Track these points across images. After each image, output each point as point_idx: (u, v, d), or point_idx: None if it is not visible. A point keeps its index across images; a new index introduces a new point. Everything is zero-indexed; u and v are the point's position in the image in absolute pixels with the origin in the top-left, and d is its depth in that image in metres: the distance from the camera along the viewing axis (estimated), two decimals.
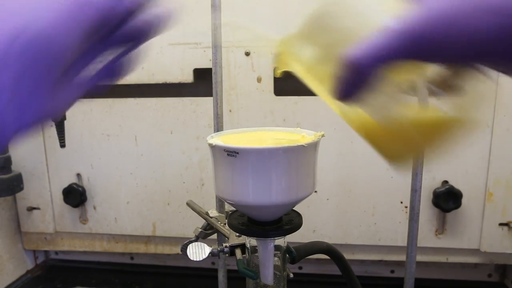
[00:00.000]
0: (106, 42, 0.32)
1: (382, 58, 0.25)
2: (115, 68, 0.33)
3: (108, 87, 0.34)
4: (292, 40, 0.33)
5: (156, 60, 1.02)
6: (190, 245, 0.57)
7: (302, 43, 0.32)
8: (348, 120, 0.31)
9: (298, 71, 0.33)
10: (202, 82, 1.02)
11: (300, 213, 0.51)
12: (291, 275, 0.53)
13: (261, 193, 0.43)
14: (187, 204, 0.70)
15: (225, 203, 0.66)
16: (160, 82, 1.03)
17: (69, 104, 0.31)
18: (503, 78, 0.26)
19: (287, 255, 0.53)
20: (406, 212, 1.00)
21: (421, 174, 0.68)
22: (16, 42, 0.25)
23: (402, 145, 0.30)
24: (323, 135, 0.45)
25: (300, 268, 1.17)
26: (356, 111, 0.28)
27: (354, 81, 0.26)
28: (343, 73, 0.26)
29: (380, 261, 1.11)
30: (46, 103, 0.28)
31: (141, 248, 1.18)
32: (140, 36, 0.33)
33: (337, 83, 0.26)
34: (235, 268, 0.51)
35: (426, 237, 1.02)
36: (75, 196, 1.11)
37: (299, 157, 0.43)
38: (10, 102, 0.25)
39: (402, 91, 0.28)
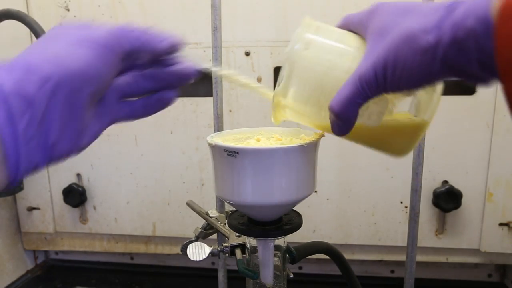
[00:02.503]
0: (135, 79, 0.37)
1: (353, 103, 0.34)
2: (145, 106, 0.38)
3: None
4: (282, 94, 0.39)
5: None
6: (190, 245, 0.57)
7: (291, 95, 0.39)
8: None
9: (293, 118, 0.42)
10: (202, 82, 1.02)
11: (300, 213, 0.51)
12: (291, 275, 0.53)
13: (261, 193, 0.43)
14: (187, 204, 0.70)
15: (225, 203, 0.66)
16: None
17: (95, 136, 0.34)
18: None
19: (287, 255, 0.53)
20: (406, 212, 1.00)
21: (421, 174, 0.68)
22: (45, 85, 0.28)
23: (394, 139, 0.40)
24: (323, 135, 0.45)
25: (300, 268, 1.17)
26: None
27: (341, 124, 0.35)
28: (332, 119, 0.36)
29: (380, 261, 1.11)
30: (74, 139, 0.32)
31: (141, 248, 1.18)
32: (172, 80, 0.38)
33: (332, 126, 0.36)
34: (235, 268, 0.51)
35: (426, 237, 1.02)
36: (75, 196, 1.11)
37: (299, 157, 0.43)
38: (32, 140, 0.28)
39: (388, 105, 0.37)
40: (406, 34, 0.30)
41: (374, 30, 0.34)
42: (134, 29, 0.35)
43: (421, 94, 0.37)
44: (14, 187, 1.02)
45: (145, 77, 0.37)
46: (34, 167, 0.30)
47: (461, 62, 0.28)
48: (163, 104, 0.39)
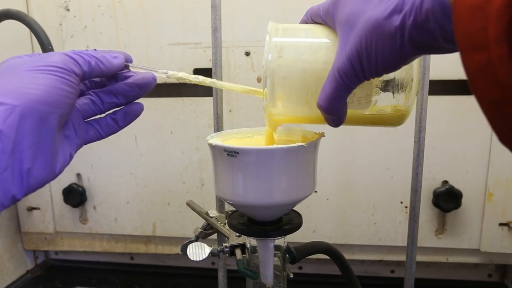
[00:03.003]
0: (97, 97, 0.39)
1: (338, 97, 0.35)
2: (113, 121, 0.40)
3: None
4: (271, 105, 0.40)
5: (156, 60, 1.02)
6: (190, 245, 0.57)
7: (280, 104, 0.40)
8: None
9: (288, 122, 0.43)
10: None
11: (300, 213, 0.51)
12: (291, 275, 0.53)
13: (261, 193, 0.43)
14: (187, 204, 0.70)
15: (225, 203, 0.66)
16: (160, 82, 1.03)
17: (68, 159, 0.36)
18: None
19: (287, 255, 0.53)
20: (406, 212, 1.00)
21: (421, 174, 0.68)
22: (11, 116, 0.30)
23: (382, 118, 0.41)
24: (323, 135, 0.45)
25: (300, 268, 1.17)
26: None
27: (333, 118, 0.37)
28: (324, 115, 0.37)
29: (380, 261, 1.11)
30: (48, 164, 0.33)
31: (141, 248, 1.18)
32: (133, 91, 0.40)
33: (326, 120, 0.38)
34: (235, 268, 0.51)
35: (426, 237, 1.02)
36: (75, 196, 1.11)
37: (299, 157, 0.43)
38: (7, 168, 0.29)
39: (373, 86, 0.38)
40: (372, 22, 0.31)
41: (342, 20, 0.35)
42: (87, 51, 0.37)
43: (400, 76, 0.38)
44: None
45: (106, 93, 0.40)
46: (12, 198, 0.30)
47: (427, 40, 0.30)
48: (131, 116, 0.41)
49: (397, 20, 0.30)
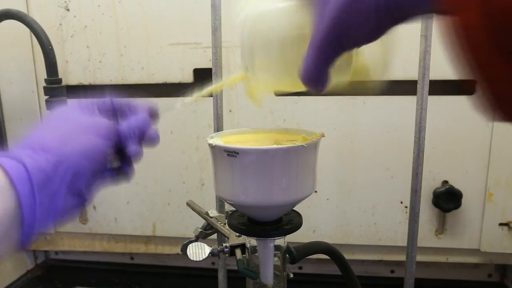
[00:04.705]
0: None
1: (320, 72, 0.36)
2: (120, 175, 0.50)
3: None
4: (255, 74, 0.42)
5: (156, 60, 1.02)
6: (190, 245, 0.57)
7: (261, 76, 0.42)
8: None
9: (270, 89, 0.45)
10: (202, 82, 1.02)
11: (300, 213, 0.51)
12: (291, 275, 0.53)
13: (261, 193, 0.43)
14: (187, 204, 0.70)
15: (225, 203, 0.66)
16: (160, 82, 1.03)
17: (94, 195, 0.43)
18: None
19: (287, 255, 0.53)
20: (406, 212, 1.00)
21: (421, 174, 0.68)
22: (61, 166, 0.36)
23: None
24: (323, 135, 0.45)
25: (300, 268, 1.17)
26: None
27: (318, 89, 0.38)
28: (307, 88, 0.38)
29: (380, 261, 1.11)
30: (78, 206, 0.39)
31: (141, 248, 1.18)
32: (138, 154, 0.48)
33: (310, 91, 0.39)
34: (235, 268, 0.51)
35: (426, 237, 1.02)
36: None
37: (299, 157, 0.43)
38: (47, 210, 0.34)
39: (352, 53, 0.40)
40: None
41: None
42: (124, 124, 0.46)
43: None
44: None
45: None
46: (43, 231, 0.35)
47: (403, 12, 0.31)
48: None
49: None
